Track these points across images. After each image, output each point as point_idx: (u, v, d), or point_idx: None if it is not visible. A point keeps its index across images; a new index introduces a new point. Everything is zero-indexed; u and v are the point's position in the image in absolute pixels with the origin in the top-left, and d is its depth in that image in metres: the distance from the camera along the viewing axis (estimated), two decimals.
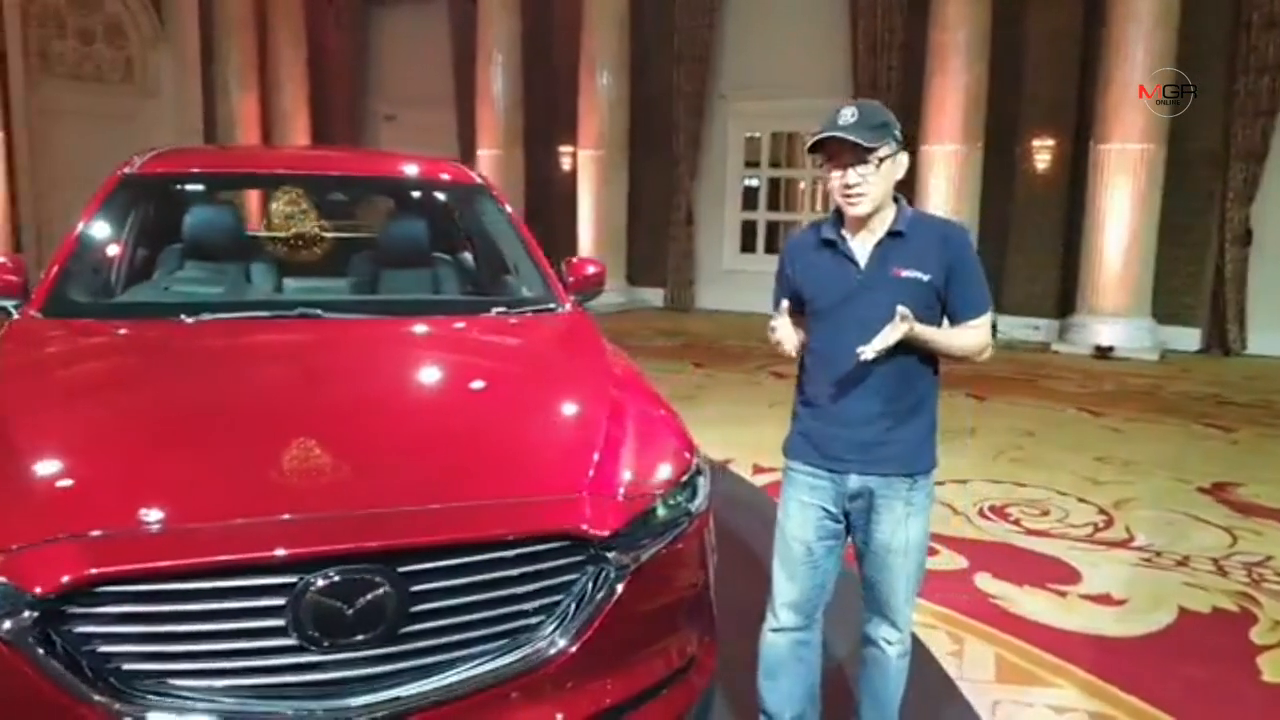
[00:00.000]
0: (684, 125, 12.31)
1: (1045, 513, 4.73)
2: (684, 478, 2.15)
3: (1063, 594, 3.72)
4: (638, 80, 12.55)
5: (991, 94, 10.22)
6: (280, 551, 1.66)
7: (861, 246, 2.17)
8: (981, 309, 2.18)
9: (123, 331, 2.70)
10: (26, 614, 1.55)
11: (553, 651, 1.82)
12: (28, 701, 1.57)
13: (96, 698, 1.57)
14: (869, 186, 2.08)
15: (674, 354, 9.44)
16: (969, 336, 2.18)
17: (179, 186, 3.54)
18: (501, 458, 2.05)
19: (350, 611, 1.66)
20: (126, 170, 3.28)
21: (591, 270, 3.37)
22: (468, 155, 13.69)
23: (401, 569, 1.70)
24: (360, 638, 1.68)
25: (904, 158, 2.13)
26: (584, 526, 1.87)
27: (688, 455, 2.23)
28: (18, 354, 2.46)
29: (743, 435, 5.80)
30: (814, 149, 2.12)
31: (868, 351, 2.02)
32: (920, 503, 2.23)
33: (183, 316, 2.70)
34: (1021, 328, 10.42)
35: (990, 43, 10.12)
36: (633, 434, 2.20)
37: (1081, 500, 4.92)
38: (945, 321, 2.20)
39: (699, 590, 2.20)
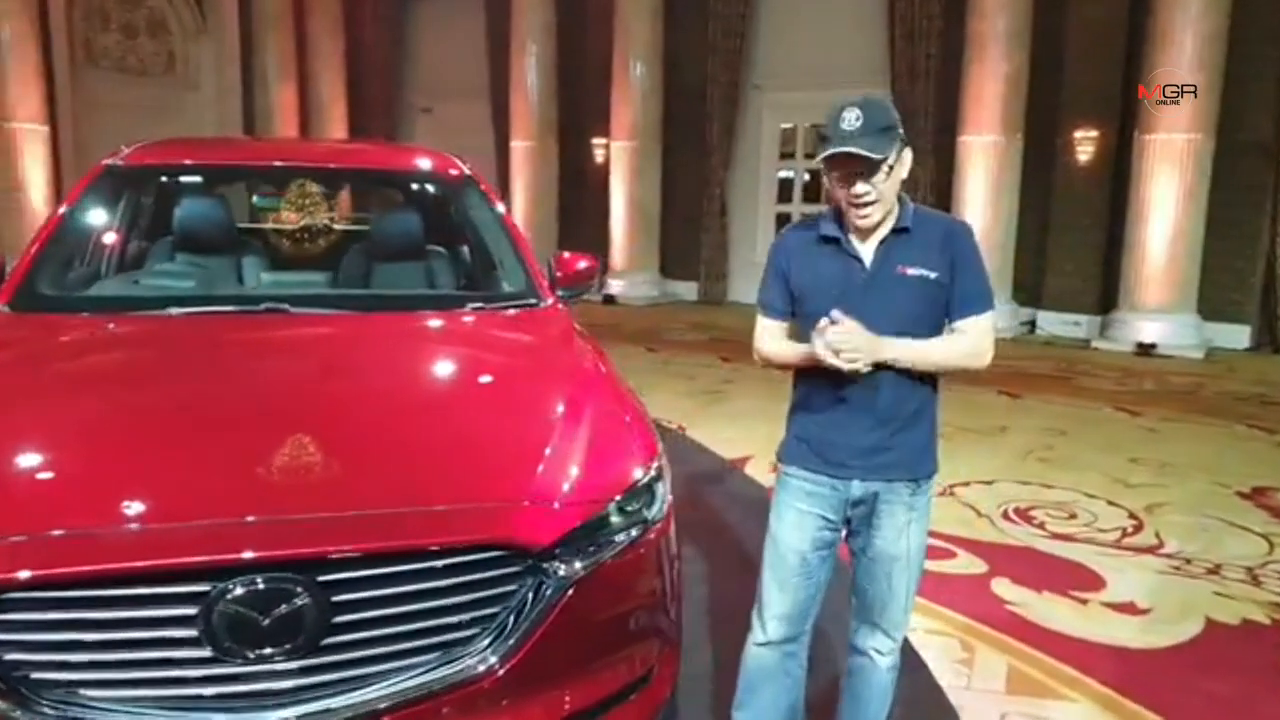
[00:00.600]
0: (718, 116, 12.19)
1: (1072, 516, 4.58)
2: (640, 483, 2.05)
3: (1084, 602, 3.59)
4: (671, 70, 12.45)
5: (1032, 83, 9.96)
6: (189, 559, 1.60)
7: (865, 244, 2.07)
8: (979, 307, 2.06)
9: (78, 327, 2.64)
10: None
11: (487, 665, 1.74)
12: None
13: (2, 707, 1.53)
14: (879, 195, 1.98)
15: (703, 348, 9.37)
16: (958, 345, 2.06)
17: (162, 178, 3.52)
18: (439, 462, 1.96)
19: (267, 622, 1.59)
20: (109, 160, 3.25)
21: (582, 265, 3.29)
22: (502, 147, 13.72)
23: (321, 578, 1.64)
24: (279, 650, 1.61)
25: (908, 155, 2.02)
26: (518, 536, 1.78)
27: (647, 459, 2.13)
28: None
29: (766, 432, 5.67)
30: (829, 161, 1.96)
31: (844, 366, 1.94)
32: (922, 509, 2.16)
33: (146, 311, 2.66)
34: (1061, 323, 10.17)
35: (1031, 31, 9.87)
36: (588, 437, 2.11)
37: (1111, 503, 4.76)
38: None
39: (657, 599, 2.11)
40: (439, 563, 1.72)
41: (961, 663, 3.09)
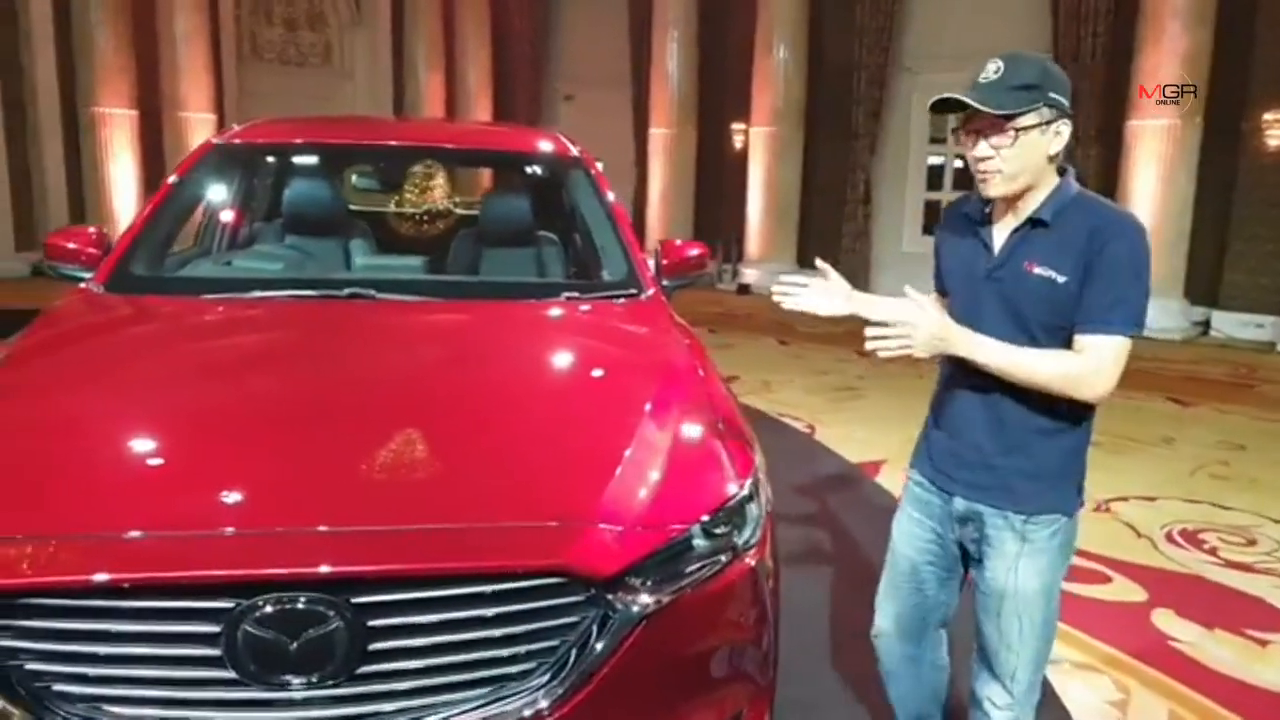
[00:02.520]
0: (864, 99, 11.70)
1: (1251, 542, 4.09)
2: (729, 503, 1.79)
3: (1262, 643, 3.17)
4: (816, 53, 12.05)
5: (1214, 62, 9.09)
6: (203, 572, 1.48)
7: (1000, 231, 1.82)
8: (1107, 326, 1.69)
9: (156, 311, 2.56)
10: None
11: (544, 705, 1.55)
12: None
13: (17, 717, 1.44)
14: (1004, 163, 1.71)
15: (839, 341, 8.98)
16: (1063, 363, 1.71)
17: (269, 157, 3.48)
18: (497, 474, 1.75)
19: (295, 646, 1.44)
20: (216, 139, 3.19)
21: (691, 253, 3.07)
22: (640, 134, 13.65)
23: (356, 600, 1.47)
24: (306, 677, 1.46)
25: (1064, 128, 1.72)
26: (577, 563, 1.56)
27: (740, 475, 1.86)
28: (41, 333, 2.34)
29: (902, 435, 5.36)
30: (938, 108, 1.75)
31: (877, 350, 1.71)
32: (1041, 544, 1.83)
33: (229, 294, 2.57)
34: (1240, 325, 9.26)
35: (1215, 5, 9.00)
36: (672, 448, 1.87)
37: None
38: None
39: (748, 636, 1.84)
40: (486, 588, 1.53)
41: (1114, 705, 2.76)
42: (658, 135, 13.24)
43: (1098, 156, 9.77)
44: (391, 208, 3.88)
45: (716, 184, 13.19)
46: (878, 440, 5.44)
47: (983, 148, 1.72)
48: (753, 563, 1.81)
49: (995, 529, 1.85)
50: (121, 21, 11.54)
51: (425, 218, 3.65)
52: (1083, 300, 1.70)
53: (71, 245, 2.71)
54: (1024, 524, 1.82)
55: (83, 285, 2.60)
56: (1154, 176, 9.23)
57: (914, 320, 1.69)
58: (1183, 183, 9.26)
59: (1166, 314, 9.24)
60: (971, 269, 1.85)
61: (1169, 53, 9.06)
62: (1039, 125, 1.70)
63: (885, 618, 2.09)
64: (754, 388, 6.88)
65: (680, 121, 13.07)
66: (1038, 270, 1.74)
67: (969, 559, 1.96)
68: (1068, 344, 1.74)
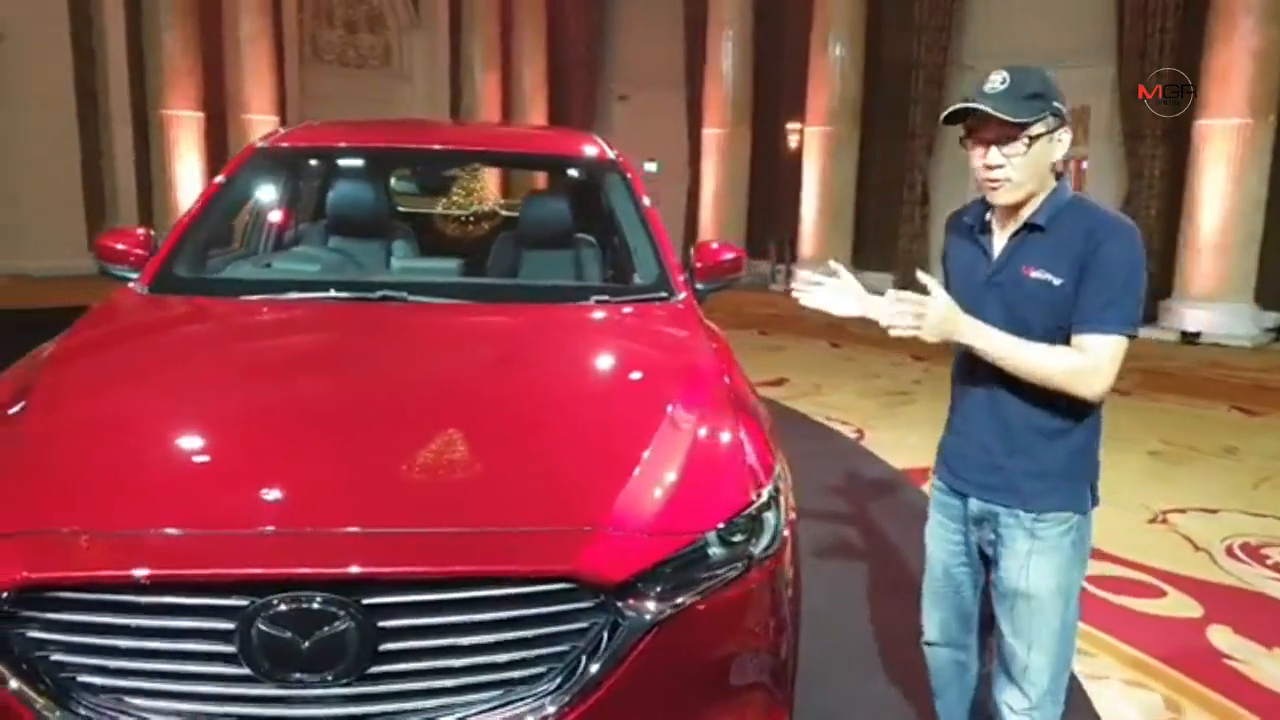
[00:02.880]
0: (922, 98, 11.51)
1: None
2: (745, 512, 1.77)
3: None
4: (873, 50, 11.92)
5: None
6: (213, 570, 1.50)
7: (999, 238, 1.89)
8: (1104, 325, 1.74)
9: (187, 312, 2.61)
10: None
11: (553, 710, 1.55)
12: None
13: (40, 706, 1.49)
14: (1014, 170, 1.77)
15: (894, 344, 8.82)
16: (1063, 358, 1.75)
17: (312, 161, 3.53)
18: (510, 478, 1.76)
19: (306, 645, 1.47)
20: (260, 142, 3.24)
21: (727, 256, 3.04)
22: (694, 134, 13.63)
23: (366, 601, 1.49)
24: (317, 675, 1.49)
25: (1065, 135, 1.79)
26: (585, 569, 1.57)
27: (758, 484, 1.84)
28: (81, 333, 2.40)
29: None
30: (952, 120, 1.80)
31: (880, 318, 1.79)
32: (1052, 542, 1.85)
33: (265, 295, 2.62)
34: None
35: None
36: (688, 455, 1.86)
37: None
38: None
39: (764, 646, 1.83)
40: (495, 592, 1.54)
41: None
42: (712, 135, 13.22)
43: (1165, 156, 9.51)
44: (439, 210, 3.93)
45: (770, 184, 13.12)
46: (928, 446, 5.26)
47: (994, 156, 1.77)
48: (770, 572, 1.79)
49: (1007, 528, 1.88)
50: (189, 25, 11.87)
51: (471, 219, 3.69)
52: (1078, 301, 1.75)
53: (120, 246, 2.80)
54: (1034, 522, 1.84)
55: (129, 285, 2.68)
56: (1223, 177, 8.95)
57: (926, 302, 1.74)
58: (1254, 183, 8.97)
59: (1236, 319, 8.95)
60: (973, 275, 1.90)
61: (1240, 50, 8.78)
62: (1047, 133, 1.76)
63: (931, 625, 2.12)
64: (804, 391, 6.82)
65: (734, 121, 13.04)
66: (1035, 274, 1.79)
67: (987, 561, 1.98)
68: (1068, 345, 1.79)
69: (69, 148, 11.66)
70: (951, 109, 1.78)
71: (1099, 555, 3.57)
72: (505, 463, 1.82)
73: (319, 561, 1.53)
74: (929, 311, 1.74)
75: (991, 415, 1.86)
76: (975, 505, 1.93)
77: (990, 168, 1.78)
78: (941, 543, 2.04)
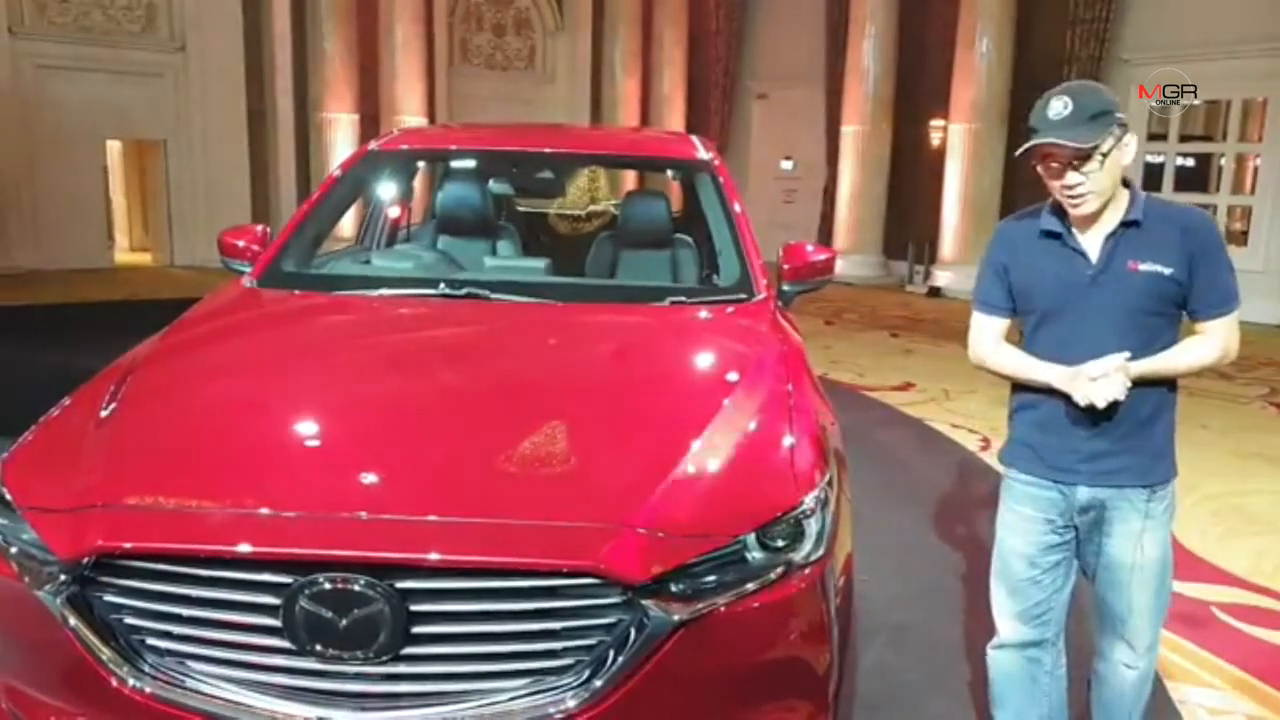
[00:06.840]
0: None
1: None
2: (785, 517, 1.74)
3: None
4: (1023, 45, 11.44)
5: None
6: (262, 548, 1.61)
7: (1092, 238, 1.99)
8: (1226, 306, 1.98)
9: (282, 306, 2.74)
10: (61, 577, 1.63)
11: (578, 702, 1.58)
12: (63, 664, 1.66)
13: (110, 660, 1.62)
14: (1094, 184, 1.91)
15: None
16: (1198, 351, 1.99)
17: (420, 163, 3.66)
18: (551, 473, 1.82)
19: (344, 623, 1.56)
20: (372, 144, 3.37)
21: (818, 258, 2.99)
22: (832, 132, 13.43)
23: (399, 584, 1.57)
24: (353, 653, 1.58)
25: (1131, 140, 1.93)
26: (610, 566, 1.59)
27: (802, 489, 1.80)
28: (184, 323, 2.55)
29: None
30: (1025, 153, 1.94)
31: (1098, 402, 1.89)
32: (1159, 516, 2.05)
33: (354, 291, 2.74)
34: None
35: None
36: (733, 457, 1.86)
37: None
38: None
39: (802, 655, 1.79)
40: (521, 583, 1.60)
41: None
42: (850, 132, 12.98)
43: None
44: (554, 209, 4.05)
45: (910, 182, 12.79)
46: None
47: (1072, 176, 1.90)
48: (813, 579, 1.76)
49: (1118, 509, 2.02)
50: (348, 33, 12.55)
51: (584, 218, 3.79)
52: (1197, 292, 1.95)
53: (240, 242, 3.00)
54: (1146, 502, 2.01)
55: (240, 279, 2.87)
56: None
57: (1115, 378, 1.91)
58: None
59: None
60: (1071, 276, 1.99)
61: None
62: (1116, 145, 1.89)
63: (1006, 623, 2.18)
64: (932, 396, 6.64)
65: (874, 118, 12.77)
66: (1143, 267, 1.94)
67: (1081, 543, 2.10)
68: (1166, 331, 1.98)
69: (239, 150, 12.55)
70: (1027, 146, 1.91)
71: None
72: (548, 458, 1.89)
73: (353, 545, 1.62)
74: (1117, 379, 1.90)
75: (1101, 411, 1.94)
76: (1084, 493, 2.03)
77: (1071, 186, 1.91)
78: (1026, 537, 2.10)
